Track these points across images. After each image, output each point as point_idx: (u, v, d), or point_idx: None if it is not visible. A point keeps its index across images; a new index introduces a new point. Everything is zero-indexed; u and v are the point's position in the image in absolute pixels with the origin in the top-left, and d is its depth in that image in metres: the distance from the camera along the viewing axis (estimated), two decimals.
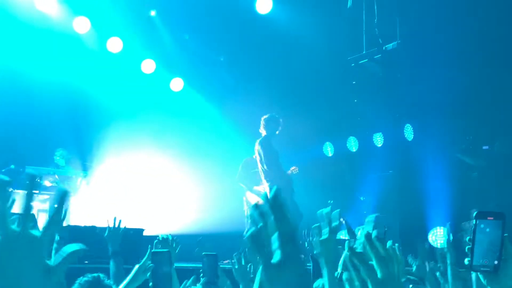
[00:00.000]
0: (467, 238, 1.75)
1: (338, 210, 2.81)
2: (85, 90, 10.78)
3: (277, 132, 8.74)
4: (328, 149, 11.66)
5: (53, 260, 1.16)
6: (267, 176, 8.66)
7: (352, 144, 11.17)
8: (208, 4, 10.80)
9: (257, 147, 8.65)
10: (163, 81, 12.09)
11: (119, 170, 10.46)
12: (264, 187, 9.74)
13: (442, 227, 9.18)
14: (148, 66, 11.83)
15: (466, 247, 1.76)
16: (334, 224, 2.66)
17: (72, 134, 10.24)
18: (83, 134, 10.62)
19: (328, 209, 2.68)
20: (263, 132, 8.70)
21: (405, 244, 9.00)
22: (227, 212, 10.32)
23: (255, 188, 9.81)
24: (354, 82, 10.86)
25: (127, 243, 7.24)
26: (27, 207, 1.14)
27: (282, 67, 11.35)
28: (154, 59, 11.81)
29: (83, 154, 10.30)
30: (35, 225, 1.15)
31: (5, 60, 10.12)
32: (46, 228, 1.15)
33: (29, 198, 1.14)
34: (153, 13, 11.47)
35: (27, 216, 1.13)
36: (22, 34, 10.33)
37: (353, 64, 10.64)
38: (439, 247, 8.54)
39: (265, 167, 8.64)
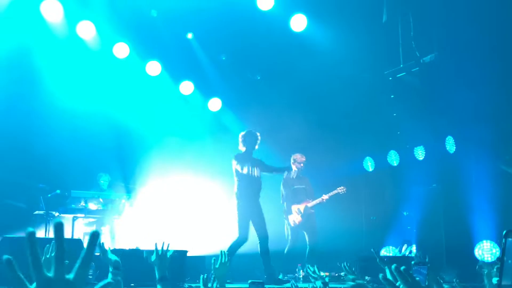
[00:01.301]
0: (496, 258, 1.72)
1: None
2: (127, 114, 11.01)
3: (256, 147, 8.70)
4: (369, 164, 11.57)
5: None
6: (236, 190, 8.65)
7: (393, 158, 11.06)
8: (243, 25, 10.91)
9: (233, 162, 8.71)
10: (201, 102, 12.24)
11: (161, 192, 10.59)
12: (299, 207, 9.77)
13: (489, 241, 8.97)
14: (187, 87, 12.01)
15: (495, 267, 1.73)
16: None
17: (115, 158, 10.46)
18: (126, 158, 10.83)
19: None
20: (242, 148, 8.74)
21: (451, 259, 8.87)
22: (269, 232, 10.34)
23: (293, 206, 9.82)
24: (392, 96, 10.79)
25: (171, 265, 7.39)
26: (59, 251, 1.14)
27: (319, 84, 11.35)
28: (192, 81, 11.98)
29: (126, 177, 10.48)
30: (69, 267, 1.17)
31: (49, 88, 10.44)
32: (77, 270, 1.16)
33: (59, 243, 1.14)
34: (190, 35, 11.65)
35: (60, 260, 1.14)
36: (62, 60, 10.64)
37: (390, 78, 10.59)
38: (488, 261, 8.35)
39: (236, 182, 8.69)
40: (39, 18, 10.26)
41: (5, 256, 1.14)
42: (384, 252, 10.32)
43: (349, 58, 10.78)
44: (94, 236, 1.17)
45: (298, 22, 11.18)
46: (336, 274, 8.27)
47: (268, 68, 11.93)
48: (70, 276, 1.12)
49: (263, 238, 8.44)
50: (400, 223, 10.34)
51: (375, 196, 10.82)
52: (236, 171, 8.59)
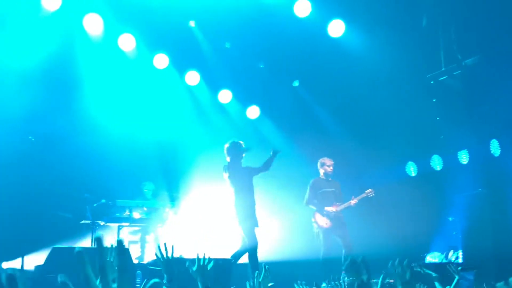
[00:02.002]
0: None
1: None
2: (169, 123, 11.15)
3: (243, 155, 8.72)
4: (411, 169, 11.43)
5: None
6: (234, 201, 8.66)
7: (436, 163, 10.90)
8: (281, 32, 10.93)
9: (224, 175, 8.70)
10: (239, 110, 12.30)
11: (205, 200, 10.66)
12: (335, 208, 9.70)
13: None
14: (225, 96, 12.09)
15: None
16: None
17: (159, 167, 10.57)
18: (170, 167, 10.95)
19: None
20: (228, 160, 8.73)
21: (501, 266, 8.66)
22: (303, 237, 10.35)
23: (326, 208, 9.76)
24: (434, 100, 10.66)
25: (216, 273, 7.43)
26: (101, 265, 1.20)
27: (358, 89, 11.28)
28: (230, 89, 12.05)
29: (170, 186, 10.59)
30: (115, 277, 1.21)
31: (92, 100, 10.65)
32: (119, 279, 1.21)
33: (101, 255, 1.21)
34: (227, 44, 11.73)
35: (103, 272, 1.20)
36: (104, 72, 10.84)
37: (432, 82, 10.47)
38: None
39: (232, 193, 8.66)
40: (81, 31, 10.48)
41: (60, 279, 1.22)
42: (429, 258, 10.16)
43: (389, 62, 10.70)
44: (121, 244, 1.24)
45: (336, 28, 11.14)
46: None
47: (306, 74, 11.90)
48: (115, 285, 1.19)
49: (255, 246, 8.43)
50: (445, 228, 10.18)
51: (418, 201, 10.67)
52: (230, 182, 8.61)
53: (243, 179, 8.61)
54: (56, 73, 10.26)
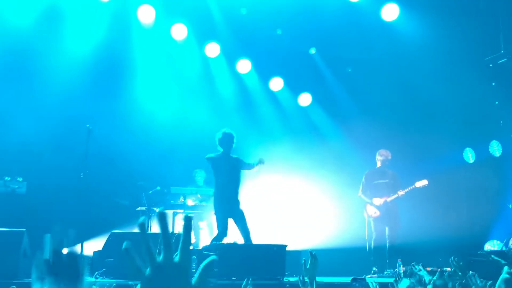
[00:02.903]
0: None
1: None
2: (221, 111, 11.23)
3: (233, 146, 8.67)
4: (469, 155, 11.12)
5: (194, 279, 1.24)
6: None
7: (495, 149, 10.57)
8: (331, 16, 10.78)
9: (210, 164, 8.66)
10: (291, 97, 12.25)
11: (258, 187, 10.69)
12: (383, 199, 9.63)
13: None
14: (276, 83, 12.06)
15: None
16: None
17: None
18: None
19: None
20: (220, 150, 8.62)
21: None
22: (354, 226, 10.30)
23: (374, 199, 9.72)
24: (493, 84, 10.31)
25: (272, 259, 7.44)
26: (165, 237, 1.21)
27: (413, 74, 11.01)
28: (281, 77, 12.01)
29: None
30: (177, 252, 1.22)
31: (145, 89, 10.83)
32: (181, 253, 1.22)
33: (165, 230, 1.21)
34: (278, 31, 11.67)
35: (167, 246, 1.21)
36: (157, 61, 11.05)
37: (491, 65, 10.12)
38: None
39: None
40: (135, 22, 10.66)
41: (124, 245, 1.20)
42: (488, 246, 9.89)
43: (445, 46, 10.43)
44: (188, 220, 1.22)
45: (390, 12, 10.91)
46: (439, 269, 8.01)
47: (359, 60, 11.71)
48: (176, 259, 1.20)
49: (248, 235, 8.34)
50: (505, 216, 9.86)
51: (477, 188, 10.38)
52: (215, 171, 8.57)
53: (230, 169, 8.59)
54: (108, 61, 10.49)
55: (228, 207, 8.47)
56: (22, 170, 8.53)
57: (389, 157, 9.88)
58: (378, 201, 9.77)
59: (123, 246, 1.21)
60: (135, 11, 10.61)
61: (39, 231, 4.11)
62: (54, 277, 1.47)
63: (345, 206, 10.88)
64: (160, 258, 1.21)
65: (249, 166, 8.91)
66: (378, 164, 9.94)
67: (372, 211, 9.79)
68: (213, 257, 1.28)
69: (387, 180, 9.88)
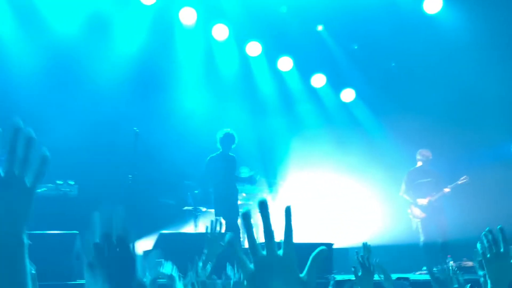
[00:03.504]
0: None
1: None
2: (264, 108, 11.29)
3: (233, 146, 8.66)
4: None
5: (303, 273, 1.22)
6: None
7: None
8: (373, 11, 10.68)
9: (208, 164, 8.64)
10: (333, 93, 12.19)
11: (303, 185, 10.71)
12: (428, 199, 9.53)
13: None
14: (319, 80, 12.02)
15: None
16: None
17: (255, 152, 10.71)
18: (266, 152, 11.05)
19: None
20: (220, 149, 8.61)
21: None
22: (401, 222, 10.20)
23: (418, 200, 9.64)
24: None
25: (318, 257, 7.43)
26: (267, 229, 1.19)
27: (456, 68, 10.81)
28: (323, 73, 11.96)
29: (267, 171, 10.69)
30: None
31: (188, 90, 10.98)
32: (285, 246, 1.20)
33: (266, 221, 1.19)
34: (320, 27, 11.63)
35: (269, 238, 1.19)
36: (201, 62, 11.17)
37: None
38: None
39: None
40: (177, 23, 10.82)
41: (227, 238, 1.21)
42: None
43: (490, 38, 10.19)
44: (288, 211, 1.20)
45: (432, 4, 10.73)
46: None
47: (402, 54, 11.55)
48: (280, 252, 1.19)
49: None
50: None
51: None
52: (213, 171, 8.57)
53: (226, 170, 8.57)
54: (151, 63, 10.68)
55: (227, 206, 8.53)
56: (73, 173, 8.77)
57: (430, 157, 9.83)
58: (422, 201, 9.70)
59: (227, 239, 1.19)
60: (177, 14, 10.76)
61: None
62: (105, 263, 1.43)
63: (391, 203, 10.79)
64: (264, 251, 1.19)
65: (241, 180, 8.99)
66: (419, 164, 9.87)
67: (418, 212, 9.73)
68: (322, 247, 1.26)
69: (429, 179, 9.80)
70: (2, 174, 1.23)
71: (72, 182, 8.47)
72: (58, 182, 8.33)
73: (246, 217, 1.21)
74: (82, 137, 9.59)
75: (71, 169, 8.84)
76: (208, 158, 8.72)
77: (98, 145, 9.85)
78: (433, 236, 9.57)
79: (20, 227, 1.24)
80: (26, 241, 1.25)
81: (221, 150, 8.67)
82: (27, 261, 1.23)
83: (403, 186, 9.94)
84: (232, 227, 8.20)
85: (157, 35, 10.73)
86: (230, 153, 8.76)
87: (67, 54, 10.18)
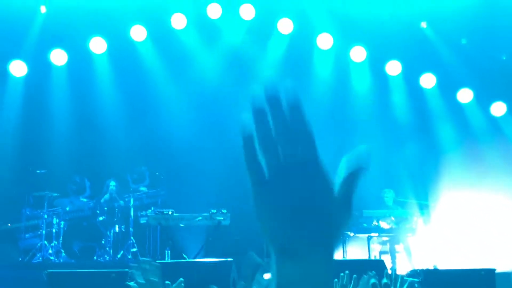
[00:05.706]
0: None
1: None
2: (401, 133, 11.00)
3: None
4: None
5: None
6: None
7: None
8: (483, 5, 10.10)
9: None
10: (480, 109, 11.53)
11: (458, 206, 10.17)
12: None
13: None
14: (465, 95, 11.45)
15: None
16: None
17: (402, 174, 10.43)
18: (415, 173, 10.65)
19: None
20: None
21: None
22: None
23: None
24: None
25: (478, 285, 6.95)
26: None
27: None
28: (470, 88, 11.38)
29: (418, 193, 10.32)
30: None
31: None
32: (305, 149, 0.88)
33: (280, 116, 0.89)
34: (423, 24, 11.16)
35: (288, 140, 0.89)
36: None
37: None
38: None
39: None
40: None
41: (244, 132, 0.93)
42: None
43: None
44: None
45: None
46: None
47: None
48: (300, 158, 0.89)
49: None
50: None
51: None
52: None
53: None
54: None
55: None
56: (224, 202, 9.10)
57: None
58: None
59: (245, 134, 0.89)
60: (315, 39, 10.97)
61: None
62: None
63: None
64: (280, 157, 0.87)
65: None
66: None
67: None
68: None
69: None
70: None
71: (224, 211, 8.77)
72: (212, 211, 8.68)
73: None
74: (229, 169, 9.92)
75: (222, 197, 9.19)
76: None
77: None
78: None
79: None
80: None
81: None
82: None
83: None
84: None
85: (294, 60, 11.03)
86: None
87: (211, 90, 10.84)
